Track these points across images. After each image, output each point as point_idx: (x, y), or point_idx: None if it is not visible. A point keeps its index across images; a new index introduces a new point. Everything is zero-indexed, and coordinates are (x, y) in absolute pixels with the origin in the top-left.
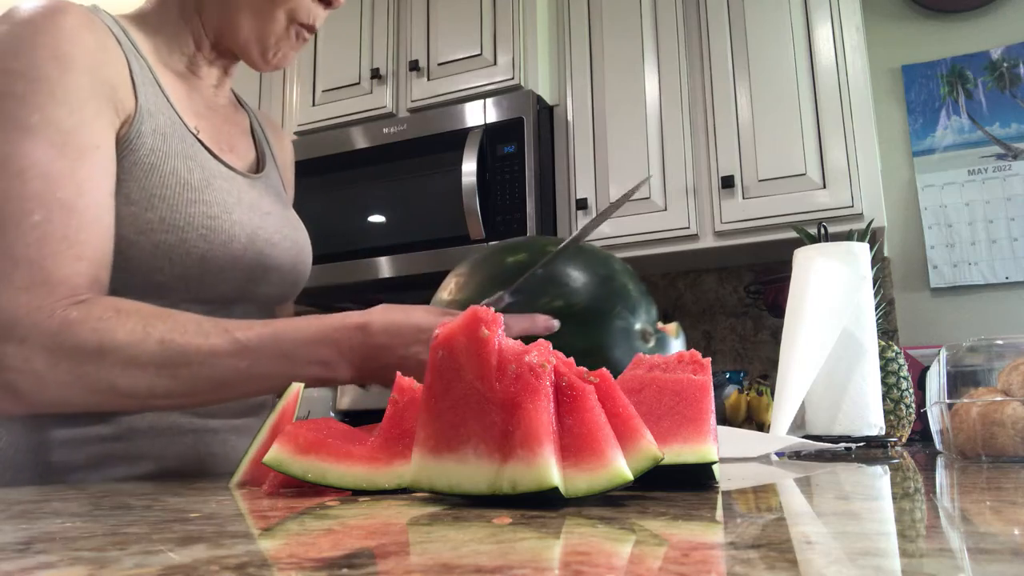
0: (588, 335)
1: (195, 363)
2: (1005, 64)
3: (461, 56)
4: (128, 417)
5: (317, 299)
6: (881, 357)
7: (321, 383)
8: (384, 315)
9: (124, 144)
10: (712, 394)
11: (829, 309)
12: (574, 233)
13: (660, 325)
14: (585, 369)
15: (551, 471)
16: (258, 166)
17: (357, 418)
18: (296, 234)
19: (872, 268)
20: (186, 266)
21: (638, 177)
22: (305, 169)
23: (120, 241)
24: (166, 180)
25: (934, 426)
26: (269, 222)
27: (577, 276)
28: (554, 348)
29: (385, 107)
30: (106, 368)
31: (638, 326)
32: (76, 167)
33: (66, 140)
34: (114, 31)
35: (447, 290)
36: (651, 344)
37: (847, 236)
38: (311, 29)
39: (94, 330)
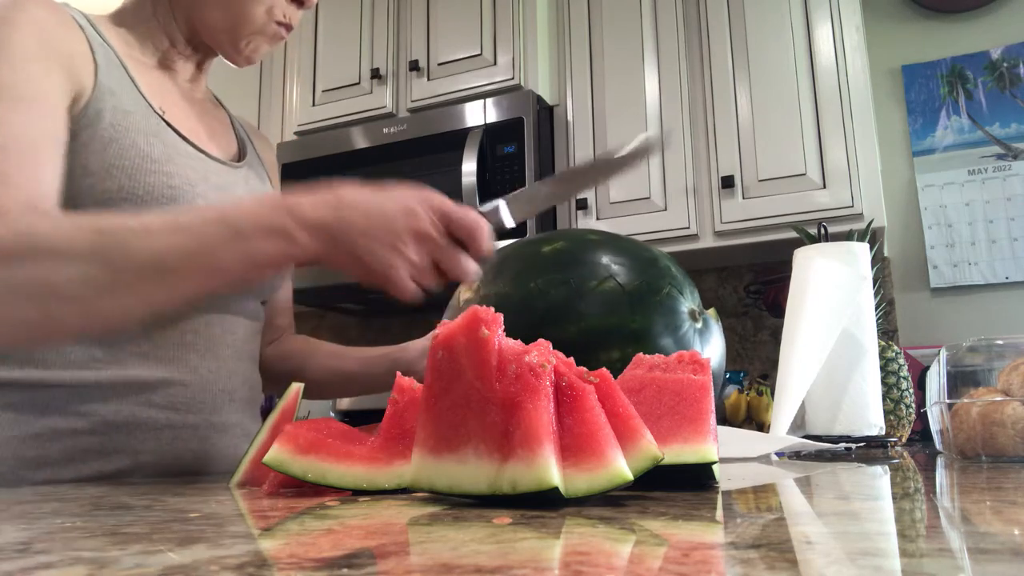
0: (641, 314)
1: (130, 243)
2: (1005, 64)
3: (461, 56)
4: (104, 410)
5: (317, 299)
6: (881, 357)
7: (279, 261)
8: (355, 188)
9: (81, 119)
10: (712, 394)
11: (829, 309)
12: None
13: None
14: (585, 369)
15: (551, 471)
16: (239, 157)
17: (357, 418)
18: None
19: (872, 268)
20: None
21: (638, 177)
22: (305, 169)
23: (80, 211)
24: (125, 152)
25: (934, 426)
26: None
27: (623, 260)
28: (609, 329)
29: (385, 107)
30: (34, 264)
31: (687, 306)
32: (12, 115)
33: (3, 93)
34: (79, 20)
35: (471, 288)
36: (699, 324)
37: (847, 236)
38: (288, 27)
39: (14, 230)
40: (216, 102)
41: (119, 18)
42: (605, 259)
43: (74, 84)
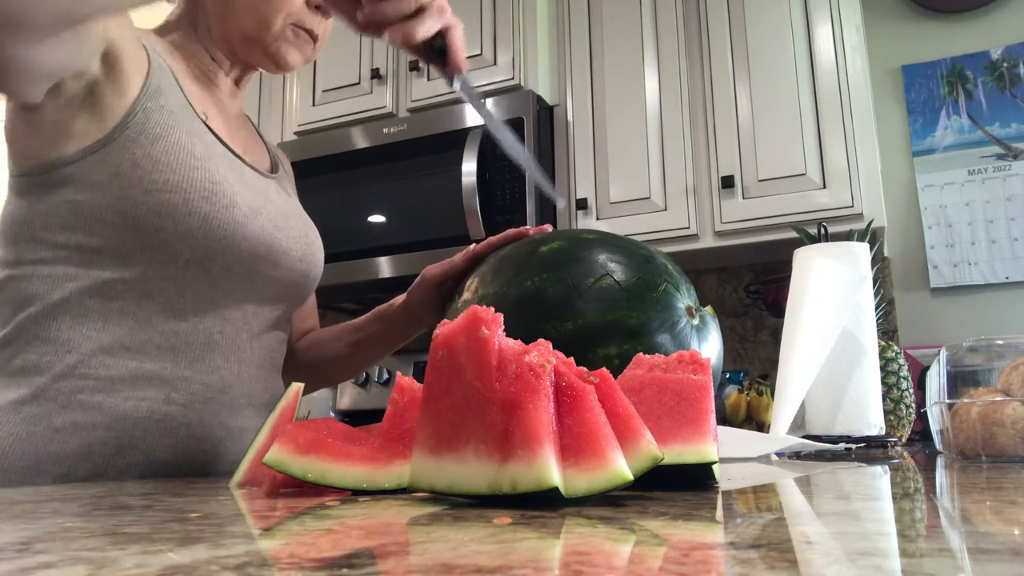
0: (638, 310)
1: None
2: (1005, 64)
3: None
4: (123, 406)
5: (317, 299)
6: (881, 357)
7: None
8: None
9: (130, 116)
10: (712, 394)
11: (829, 309)
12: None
13: None
14: (585, 369)
15: (551, 471)
16: (272, 170)
17: (357, 418)
18: (305, 228)
19: (872, 268)
20: (189, 226)
21: (638, 177)
22: (305, 169)
23: (126, 201)
24: (170, 148)
25: (934, 426)
26: (273, 208)
27: (619, 257)
28: (606, 325)
29: (385, 107)
30: None
31: (684, 303)
32: None
33: None
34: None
35: (469, 290)
36: (696, 321)
37: (847, 236)
38: (311, 34)
39: None
40: (249, 121)
41: (163, 32)
42: (601, 257)
43: (116, 48)
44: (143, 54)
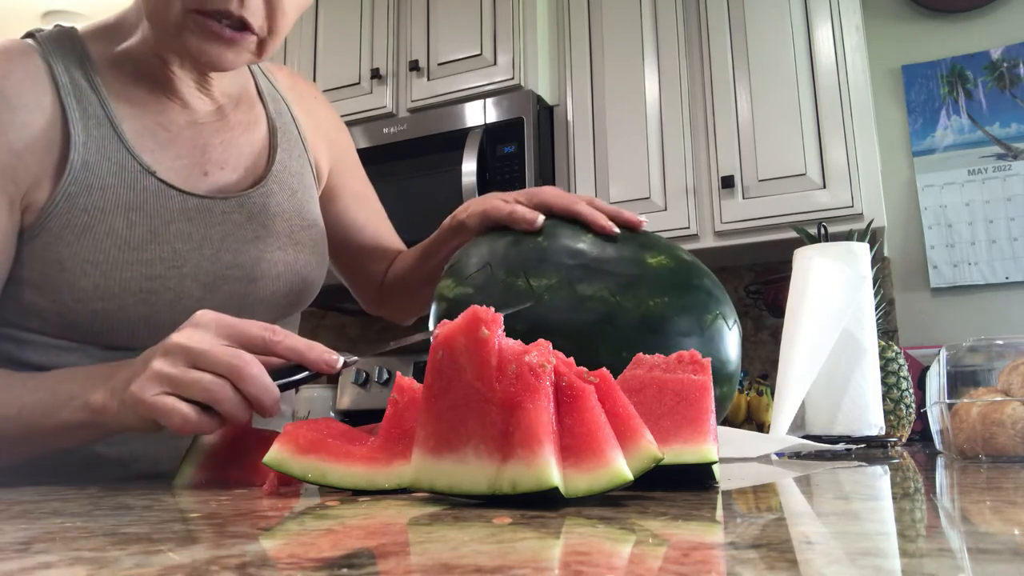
0: (723, 351)
1: None
2: (1005, 64)
3: (461, 56)
4: None
5: (317, 299)
6: (881, 357)
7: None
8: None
9: (51, 208)
10: (712, 394)
11: (829, 309)
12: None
13: None
14: (585, 369)
15: (551, 471)
16: (268, 166)
17: (357, 418)
18: (296, 251)
19: (872, 268)
20: (131, 330)
21: (638, 177)
22: None
23: (60, 306)
24: (99, 243)
25: (934, 426)
26: (250, 253)
27: (720, 294)
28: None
29: (385, 107)
30: None
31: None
32: None
33: None
34: (59, 78)
35: (546, 276)
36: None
37: (847, 236)
38: (225, 14)
39: None
40: (239, 101)
41: (119, 34)
42: (708, 286)
43: (19, 186)
44: (53, 129)
